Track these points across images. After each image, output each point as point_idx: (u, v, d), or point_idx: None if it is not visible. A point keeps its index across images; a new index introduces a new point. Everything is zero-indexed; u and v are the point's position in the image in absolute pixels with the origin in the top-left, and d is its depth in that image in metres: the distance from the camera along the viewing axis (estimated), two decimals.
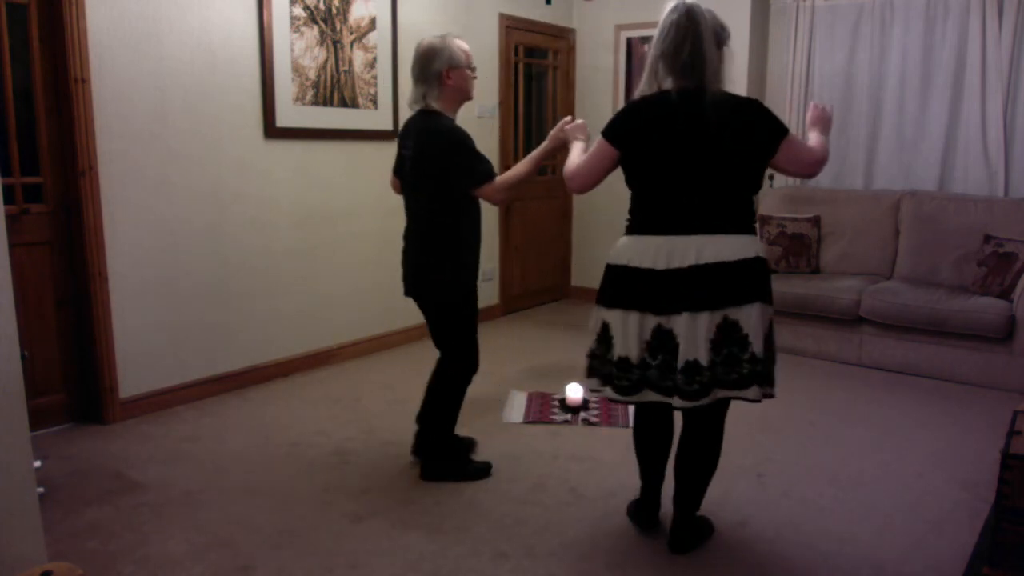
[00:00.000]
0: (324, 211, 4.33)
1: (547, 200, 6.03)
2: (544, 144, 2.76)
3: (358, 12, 4.35)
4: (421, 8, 4.75)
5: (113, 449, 3.23)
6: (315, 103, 4.19)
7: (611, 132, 2.32)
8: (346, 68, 4.33)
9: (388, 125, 4.61)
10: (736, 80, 5.31)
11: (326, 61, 4.22)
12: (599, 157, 2.35)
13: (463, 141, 2.70)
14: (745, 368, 2.21)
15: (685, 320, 2.20)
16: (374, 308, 4.70)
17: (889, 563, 2.42)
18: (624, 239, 2.36)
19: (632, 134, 2.28)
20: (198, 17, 3.63)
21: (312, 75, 4.15)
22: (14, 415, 1.92)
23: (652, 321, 2.26)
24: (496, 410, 3.71)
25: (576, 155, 2.49)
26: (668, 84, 2.25)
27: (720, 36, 2.26)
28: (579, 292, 6.36)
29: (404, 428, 3.49)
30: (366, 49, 4.42)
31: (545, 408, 3.72)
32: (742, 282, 2.21)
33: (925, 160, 5.00)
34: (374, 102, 4.51)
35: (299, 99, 4.11)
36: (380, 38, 4.49)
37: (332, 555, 2.44)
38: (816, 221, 5.04)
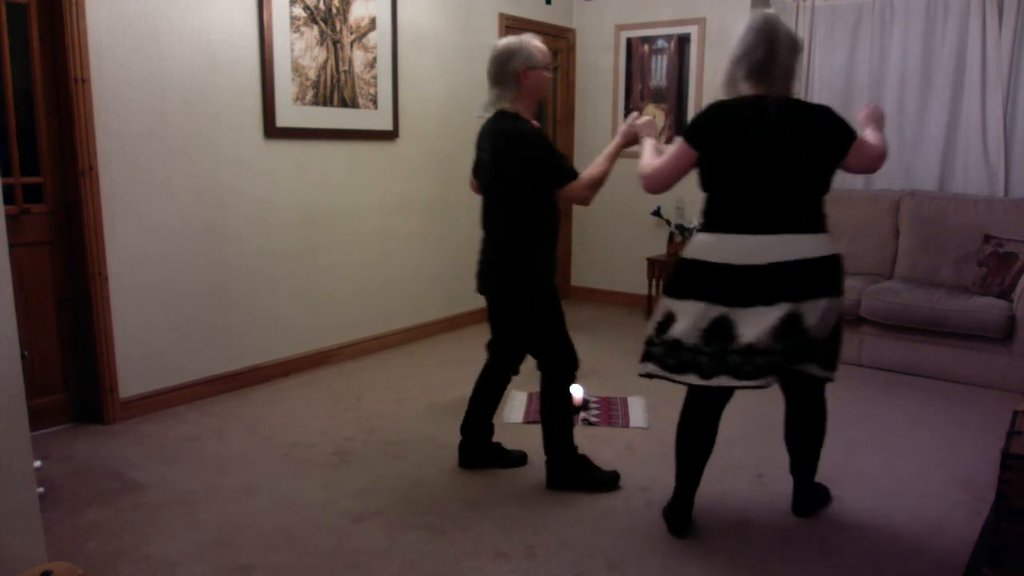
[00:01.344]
0: (324, 211, 4.33)
1: None
2: (616, 140, 2.76)
3: (358, 12, 4.35)
4: (421, 8, 4.75)
5: (113, 449, 3.23)
6: (315, 103, 4.19)
7: (692, 134, 2.40)
8: (346, 68, 4.33)
9: (388, 125, 4.61)
10: None
11: (326, 61, 4.22)
12: (678, 158, 2.43)
13: (544, 142, 2.69)
14: (802, 353, 2.36)
15: (756, 311, 2.31)
16: (374, 308, 4.70)
17: (889, 563, 2.42)
18: (702, 236, 2.45)
19: (712, 137, 2.37)
20: (198, 17, 3.63)
21: (312, 75, 4.15)
22: (14, 415, 1.92)
23: (715, 311, 2.35)
24: (496, 410, 3.71)
25: (649, 154, 2.56)
26: (744, 88, 2.36)
27: (796, 46, 2.37)
28: (579, 292, 6.37)
29: (404, 428, 3.50)
30: (366, 49, 4.42)
31: None
32: (816, 278, 2.33)
33: (925, 160, 5.00)
34: (374, 102, 4.51)
35: (299, 99, 4.11)
36: (380, 38, 4.49)
37: (332, 555, 2.44)
38: None
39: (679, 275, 2.46)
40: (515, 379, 4.23)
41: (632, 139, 2.74)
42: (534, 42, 2.72)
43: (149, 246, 3.58)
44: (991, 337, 4.06)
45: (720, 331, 2.35)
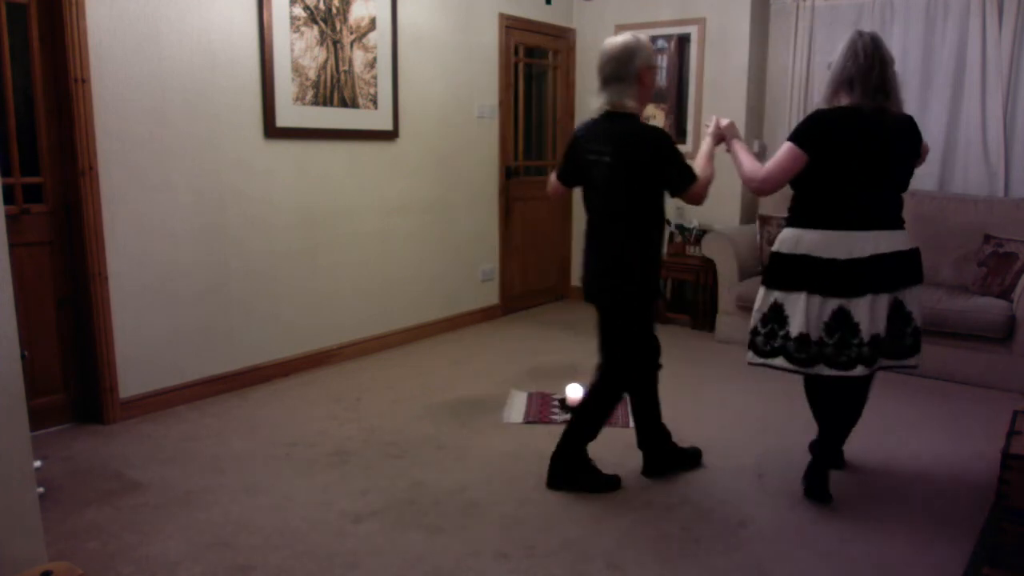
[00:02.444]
0: (324, 211, 4.33)
1: (547, 200, 6.02)
2: (708, 142, 2.82)
3: (358, 12, 4.35)
4: (421, 8, 4.75)
5: (113, 449, 3.24)
6: (315, 103, 4.19)
7: (804, 139, 2.59)
8: (346, 68, 4.33)
9: (388, 125, 4.61)
10: (736, 80, 5.35)
11: (326, 61, 4.22)
12: (790, 162, 2.60)
13: (672, 143, 2.64)
14: (908, 340, 2.67)
15: (868, 301, 2.56)
16: (374, 308, 4.70)
17: (889, 563, 2.42)
18: (796, 231, 2.65)
19: (823, 142, 2.57)
20: (198, 17, 3.63)
21: (312, 75, 4.15)
22: (14, 415, 1.92)
23: (834, 303, 2.59)
24: (496, 410, 3.71)
25: (747, 157, 2.72)
26: (845, 100, 2.58)
27: (894, 61, 2.62)
28: (579, 292, 6.34)
29: (404, 428, 3.50)
30: (366, 49, 4.42)
31: (545, 408, 3.72)
32: (909, 268, 2.63)
33: (925, 160, 5.00)
34: (374, 102, 4.51)
35: (299, 99, 4.11)
36: (380, 38, 4.49)
37: (332, 555, 2.44)
38: None
39: (780, 268, 2.67)
40: (514, 379, 4.24)
41: (719, 140, 2.84)
42: (647, 39, 2.68)
43: (149, 246, 3.58)
44: (991, 337, 4.06)
45: (841, 322, 2.58)
